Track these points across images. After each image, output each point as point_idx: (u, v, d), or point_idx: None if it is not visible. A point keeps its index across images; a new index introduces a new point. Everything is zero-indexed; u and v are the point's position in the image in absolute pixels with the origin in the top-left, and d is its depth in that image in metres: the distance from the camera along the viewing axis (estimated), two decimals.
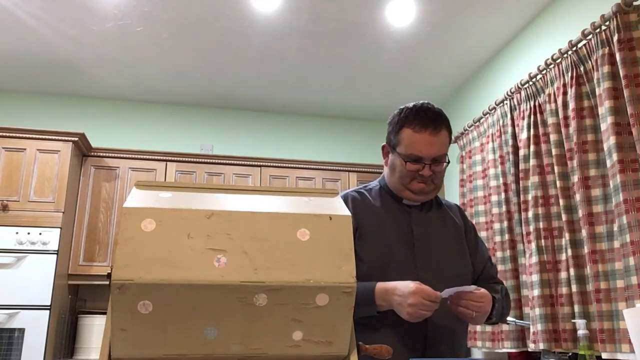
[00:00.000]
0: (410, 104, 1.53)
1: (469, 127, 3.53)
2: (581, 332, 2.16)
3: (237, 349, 0.83)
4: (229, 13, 3.06)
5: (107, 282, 0.78)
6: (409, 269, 1.46)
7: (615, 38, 2.24)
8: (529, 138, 2.82)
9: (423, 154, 1.45)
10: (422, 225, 1.53)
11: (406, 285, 1.32)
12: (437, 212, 1.59)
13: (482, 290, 1.38)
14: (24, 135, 3.38)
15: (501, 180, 3.04)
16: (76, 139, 3.45)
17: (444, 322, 1.43)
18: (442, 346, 1.44)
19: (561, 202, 2.54)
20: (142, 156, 3.78)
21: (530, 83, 2.87)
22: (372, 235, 1.48)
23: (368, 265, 1.44)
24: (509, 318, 2.68)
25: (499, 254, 2.96)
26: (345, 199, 1.55)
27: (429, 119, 1.47)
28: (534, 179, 2.73)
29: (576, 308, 2.39)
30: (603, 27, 2.35)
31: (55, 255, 3.21)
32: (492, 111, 3.24)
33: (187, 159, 3.84)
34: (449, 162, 1.52)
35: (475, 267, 1.58)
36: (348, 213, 0.88)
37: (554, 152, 2.61)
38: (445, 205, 1.64)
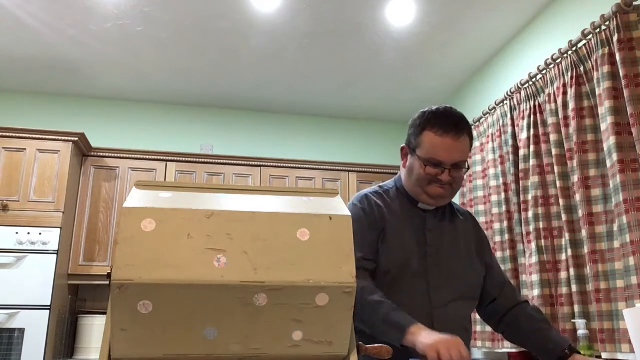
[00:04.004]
0: (434, 107, 1.50)
1: None
2: (581, 332, 2.17)
3: (237, 349, 0.83)
4: (229, 13, 3.06)
5: (107, 282, 0.78)
6: (420, 276, 1.46)
7: (615, 38, 2.24)
8: (529, 138, 2.82)
9: (444, 159, 1.43)
10: (435, 232, 1.52)
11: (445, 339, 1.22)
12: (451, 219, 1.58)
13: None
14: (24, 135, 3.38)
15: (501, 180, 3.04)
16: (76, 139, 3.45)
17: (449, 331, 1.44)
18: None
19: (561, 202, 2.54)
20: (142, 156, 3.78)
21: (530, 83, 2.87)
22: (393, 239, 1.47)
23: (386, 269, 1.44)
24: None
25: (499, 254, 2.96)
26: (368, 200, 1.52)
27: (451, 123, 1.44)
28: (534, 179, 2.73)
29: (576, 308, 2.39)
30: (603, 27, 2.35)
31: (55, 255, 3.21)
32: (492, 111, 3.24)
33: (187, 159, 3.84)
34: (468, 167, 1.50)
35: (492, 281, 1.57)
36: (348, 213, 0.87)
37: (554, 152, 2.61)
38: (458, 212, 1.63)
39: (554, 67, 2.69)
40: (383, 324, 1.31)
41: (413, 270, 1.45)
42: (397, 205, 1.53)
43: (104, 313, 3.43)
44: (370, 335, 1.35)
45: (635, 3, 2.23)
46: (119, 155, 3.74)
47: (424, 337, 1.22)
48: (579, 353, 1.41)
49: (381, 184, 1.63)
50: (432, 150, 1.43)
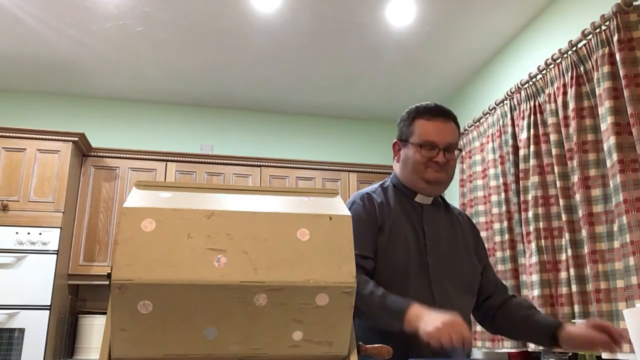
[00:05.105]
0: (418, 104, 1.62)
1: (469, 127, 3.53)
2: None
3: (237, 349, 0.83)
4: (229, 13, 3.06)
5: (107, 282, 0.78)
6: (421, 270, 1.47)
7: (615, 38, 2.24)
8: (529, 138, 2.82)
9: (437, 139, 1.51)
10: (432, 226, 1.54)
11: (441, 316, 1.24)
12: (446, 214, 1.61)
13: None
14: (24, 135, 3.38)
15: (501, 180, 3.04)
16: (76, 139, 3.45)
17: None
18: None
19: (561, 202, 2.54)
20: (142, 156, 3.77)
21: (530, 83, 2.87)
22: (395, 236, 1.49)
23: (389, 266, 1.45)
24: None
25: (499, 254, 2.96)
26: (370, 197, 1.55)
27: (439, 110, 1.56)
28: (534, 179, 2.73)
29: (576, 308, 2.39)
30: (603, 27, 2.35)
31: (55, 255, 3.21)
32: (492, 111, 3.24)
33: (187, 159, 3.84)
34: (461, 150, 1.58)
35: (488, 278, 1.61)
36: (348, 213, 0.88)
37: (554, 152, 2.61)
38: (453, 210, 1.66)
39: (554, 67, 2.69)
40: (381, 311, 1.32)
41: (414, 265, 1.46)
42: (396, 201, 1.56)
43: (104, 313, 3.43)
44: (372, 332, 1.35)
45: (635, 3, 2.23)
46: (119, 155, 3.74)
47: (424, 324, 1.22)
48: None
49: (379, 182, 1.66)
50: (424, 134, 1.52)
